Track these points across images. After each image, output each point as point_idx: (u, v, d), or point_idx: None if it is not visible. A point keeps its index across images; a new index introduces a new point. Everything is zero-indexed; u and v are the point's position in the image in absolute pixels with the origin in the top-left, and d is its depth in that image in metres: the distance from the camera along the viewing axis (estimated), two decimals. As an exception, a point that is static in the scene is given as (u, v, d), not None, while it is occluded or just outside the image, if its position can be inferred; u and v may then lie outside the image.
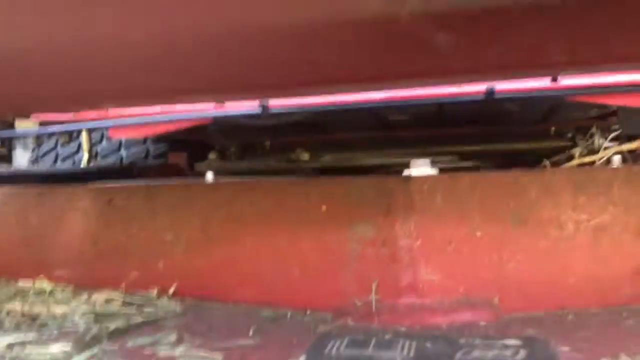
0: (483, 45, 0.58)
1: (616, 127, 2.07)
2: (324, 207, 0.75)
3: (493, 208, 0.73)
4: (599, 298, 0.72)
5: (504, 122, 2.18)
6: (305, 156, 2.27)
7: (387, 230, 0.71)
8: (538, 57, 0.63)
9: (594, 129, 2.12)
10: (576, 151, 1.07)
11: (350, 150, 2.25)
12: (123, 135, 1.71)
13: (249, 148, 2.34)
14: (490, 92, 1.29)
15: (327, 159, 2.24)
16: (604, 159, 0.87)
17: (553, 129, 2.21)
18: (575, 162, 0.86)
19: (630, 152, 1.45)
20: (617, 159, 1.11)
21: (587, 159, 0.86)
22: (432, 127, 2.15)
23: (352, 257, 0.73)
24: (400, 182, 0.72)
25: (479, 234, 0.72)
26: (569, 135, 2.20)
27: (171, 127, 1.53)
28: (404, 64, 0.56)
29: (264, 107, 1.43)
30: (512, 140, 2.21)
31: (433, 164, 2.27)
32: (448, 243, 0.72)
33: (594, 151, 2.12)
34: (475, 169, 2.20)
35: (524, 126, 2.21)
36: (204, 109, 1.40)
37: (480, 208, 0.73)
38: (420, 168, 1.10)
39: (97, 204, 0.97)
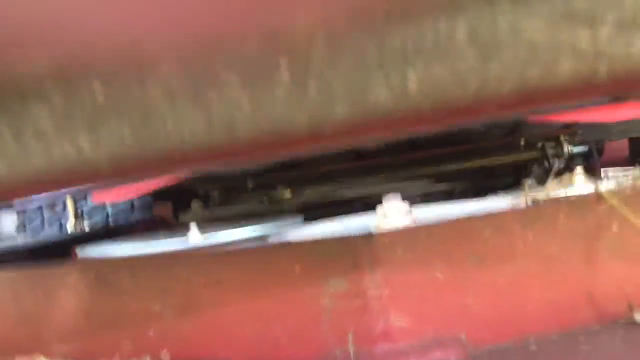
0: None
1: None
2: (297, 268, 0.81)
3: (451, 252, 0.79)
4: (558, 322, 0.78)
5: (473, 140, 2.27)
6: (287, 193, 2.33)
7: (357, 283, 0.77)
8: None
9: (562, 138, 2.21)
10: (525, 183, 1.14)
11: (330, 182, 2.32)
12: (106, 199, 1.76)
13: (233, 191, 2.40)
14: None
15: (309, 194, 2.31)
16: (552, 191, 0.94)
17: (523, 141, 2.30)
18: (527, 195, 0.93)
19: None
20: (579, 179, 1.19)
21: (535, 195, 0.93)
22: (405, 153, 2.23)
23: (328, 311, 0.78)
24: (364, 239, 0.79)
25: (441, 277, 0.78)
26: (539, 145, 2.29)
27: (153, 186, 1.58)
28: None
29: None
30: (484, 157, 2.29)
31: (410, 189, 2.33)
32: (413, 289, 0.77)
33: (563, 158, 2.22)
34: (451, 191, 2.28)
35: (492, 142, 2.30)
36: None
37: (439, 254, 0.79)
38: (392, 202, 1.17)
39: (85, 279, 1.02)
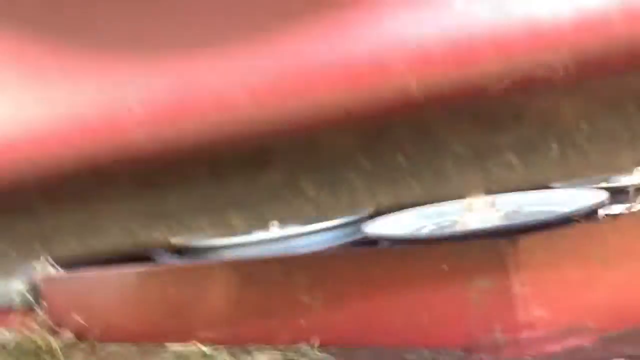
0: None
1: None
2: (445, 267, 0.94)
3: (582, 253, 0.94)
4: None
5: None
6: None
7: (501, 282, 0.91)
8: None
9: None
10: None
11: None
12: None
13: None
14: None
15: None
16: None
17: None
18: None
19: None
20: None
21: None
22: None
23: (475, 305, 0.92)
24: (508, 243, 0.92)
25: (573, 276, 0.92)
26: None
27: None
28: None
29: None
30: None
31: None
32: (551, 287, 0.92)
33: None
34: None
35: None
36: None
37: (572, 255, 0.93)
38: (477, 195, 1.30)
39: (234, 276, 1.17)
